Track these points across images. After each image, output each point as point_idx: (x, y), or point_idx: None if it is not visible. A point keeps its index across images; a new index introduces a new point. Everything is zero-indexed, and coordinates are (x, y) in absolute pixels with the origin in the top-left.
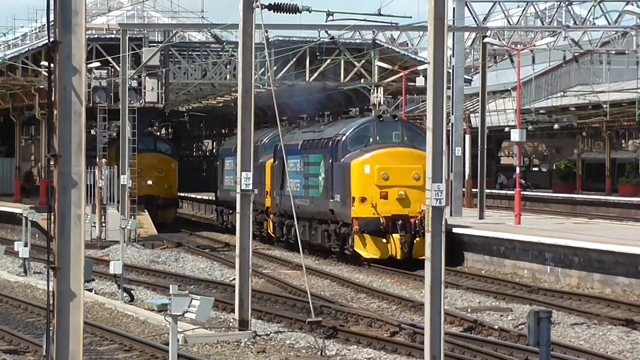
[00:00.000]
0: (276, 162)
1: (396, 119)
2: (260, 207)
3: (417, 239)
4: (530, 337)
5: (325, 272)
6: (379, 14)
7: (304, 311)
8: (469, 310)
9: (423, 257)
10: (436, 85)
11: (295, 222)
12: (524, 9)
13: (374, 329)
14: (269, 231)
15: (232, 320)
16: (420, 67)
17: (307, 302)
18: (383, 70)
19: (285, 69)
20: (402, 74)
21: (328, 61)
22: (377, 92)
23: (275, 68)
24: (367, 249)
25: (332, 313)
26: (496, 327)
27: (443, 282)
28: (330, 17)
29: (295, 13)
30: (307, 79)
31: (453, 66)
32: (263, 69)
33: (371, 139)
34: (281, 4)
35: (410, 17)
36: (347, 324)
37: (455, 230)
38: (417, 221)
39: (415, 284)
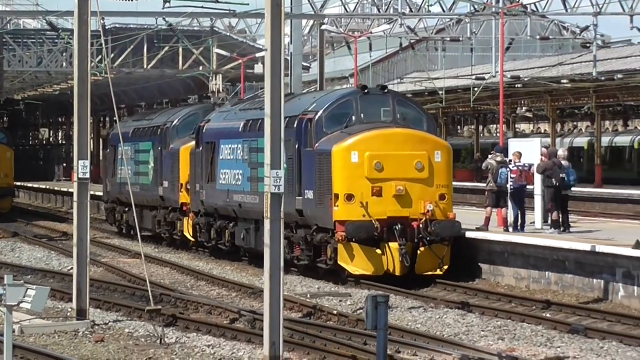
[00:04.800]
0: (201, 148)
1: (385, 91)
2: (172, 203)
3: (421, 248)
4: (368, 322)
5: (165, 260)
6: (217, 1)
7: (143, 299)
8: (309, 295)
9: (429, 272)
10: (274, 72)
11: (134, 210)
12: None
13: (213, 316)
14: (187, 233)
15: (69, 309)
16: (258, 54)
17: (147, 290)
18: (222, 58)
19: (123, 56)
20: (240, 61)
21: (166, 48)
22: (215, 79)
23: (112, 56)
24: (356, 263)
25: (172, 301)
26: (335, 312)
27: (282, 268)
28: (168, 4)
29: (132, 0)
30: (145, 66)
31: (291, 53)
32: (100, 56)
33: (354, 117)
34: None
35: (248, 4)
36: (187, 312)
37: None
38: (420, 225)
39: (255, 270)
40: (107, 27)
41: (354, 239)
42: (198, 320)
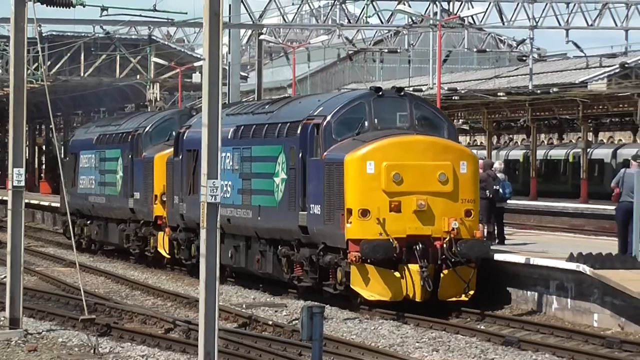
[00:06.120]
0: (181, 157)
1: (402, 94)
2: (145, 217)
3: (445, 271)
4: (304, 332)
5: (100, 269)
6: (155, 10)
7: (77, 309)
8: (244, 306)
9: (453, 299)
10: (212, 82)
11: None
12: (300, 7)
13: (148, 326)
14: (162, 249)
15: (2, 319)
16: (196, 64)
17: (81, 299)
18: (159, 67)
19: (60, 64)
20: (178, 70)
21: (103, 56)
22: (153, 88)
23: (49, 63)
24: (371, 288)
25: (107, 310)
26: (270, 322)
27: (218, 278)
28: (105, 12)
29: (69, 7)
30: (82, 74)
31: (229, 63)
32: (36, 64)
33: (367, 123)
34: None
35: (186, 14)
36: (122, 321)
37: None
38: (444, 245)
39: (191, 280)
40: (44, 35)
41: (369, 260)
42: (132, 330)
